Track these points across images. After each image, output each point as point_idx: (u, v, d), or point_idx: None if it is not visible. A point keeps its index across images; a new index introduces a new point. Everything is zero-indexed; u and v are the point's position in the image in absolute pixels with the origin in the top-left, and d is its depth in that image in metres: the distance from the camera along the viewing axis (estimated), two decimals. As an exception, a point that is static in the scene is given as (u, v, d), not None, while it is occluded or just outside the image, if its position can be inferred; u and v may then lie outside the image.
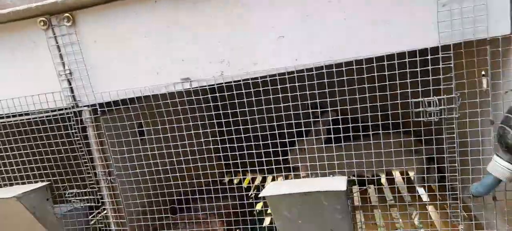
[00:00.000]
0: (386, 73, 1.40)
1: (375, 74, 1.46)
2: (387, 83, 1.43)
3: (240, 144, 1.72)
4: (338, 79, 1.44)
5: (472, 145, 1.43)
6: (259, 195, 1.51)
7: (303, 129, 2.13)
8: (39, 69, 1.75)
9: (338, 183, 1.45)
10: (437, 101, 1.38)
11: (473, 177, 1.46)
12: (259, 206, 2.74)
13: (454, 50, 1.34)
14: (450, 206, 1.55)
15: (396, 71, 1.39)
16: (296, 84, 1.48)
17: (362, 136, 1.70)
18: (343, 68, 1.43)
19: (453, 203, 1.50)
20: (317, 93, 1.50)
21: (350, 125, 1.57)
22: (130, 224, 1.90)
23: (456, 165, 1.45)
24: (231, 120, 1.67)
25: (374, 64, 1.40)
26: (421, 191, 2.56)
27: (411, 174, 2.76)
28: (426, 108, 1.40)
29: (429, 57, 1.36)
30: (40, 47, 1.71)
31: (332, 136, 2.50)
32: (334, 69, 1.44)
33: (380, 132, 1.53)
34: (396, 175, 2.87)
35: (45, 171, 1.92)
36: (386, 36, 1.38)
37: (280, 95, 1.52)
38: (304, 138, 2.62)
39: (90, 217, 2.17)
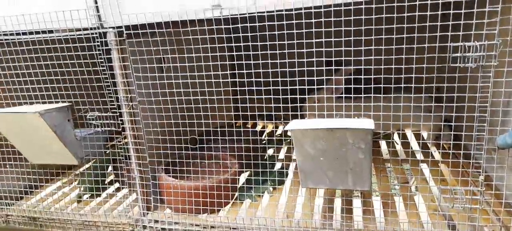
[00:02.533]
0: (428, 13, 1.34)
1: (416, 14, 1.40)
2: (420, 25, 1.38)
3: (257, 88, 1.70)
4: (365, 27, 1.40)
5: (506, 95, 1.41)
6: (285, 129, 1.51)
7: (323, 77, 2.11)
8: (64, -16, 1.70)
9: (365, 123, 1.45)
10: (478, 47, 1.34)
11: (501, 128, 1.45)
12: (270, 151, 2.78)
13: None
14: (474, 157, 1.55)
15: (439, 13, 1.34)
16: (332, 19, 1.43)
17: (375, 92, 1.68)
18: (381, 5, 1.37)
19: (478, 154, 1.50)
20: (342, 41, 1.45)
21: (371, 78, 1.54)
22: (149, 152, 1.92)
23: (487, 115, 1.43)
24: (251, 62, 1.63)
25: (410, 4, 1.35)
26: (433, 149, 2.58)
27: (425, 134, 2.77)
28: (465, 53, 1.36)
29: (475, -1, 1.31)
30: (67, -40, 1.65)
31: (352, 86, 2.49)
32: (373, 6, 1.39)
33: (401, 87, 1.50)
34: (410, 133, 2.87)
35: (66, 92, 1.92)
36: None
37: (304, 35, 1.47)
38: (324, 86, 2.61)
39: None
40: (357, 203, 2.02)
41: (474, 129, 1.48)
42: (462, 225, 1.60)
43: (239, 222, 1.83)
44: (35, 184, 2.41)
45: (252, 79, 1.65)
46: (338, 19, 1.43)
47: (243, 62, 1.73)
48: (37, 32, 1.80)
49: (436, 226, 1.67)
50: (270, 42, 1.56)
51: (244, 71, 1.71)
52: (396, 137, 2.85)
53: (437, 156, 2.48)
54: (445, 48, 1.42)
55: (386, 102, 1.68)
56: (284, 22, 1.50)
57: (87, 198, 2.30)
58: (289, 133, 1.55)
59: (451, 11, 1.33)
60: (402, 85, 1.54)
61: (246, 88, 1.74)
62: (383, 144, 2.78)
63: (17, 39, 1.86)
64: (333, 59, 1.88)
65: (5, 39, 1.88)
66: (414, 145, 2.71)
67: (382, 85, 1.56)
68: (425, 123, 2.41)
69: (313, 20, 1.45)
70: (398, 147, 2.70)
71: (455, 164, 2.14)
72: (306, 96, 2.61)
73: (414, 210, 1.84)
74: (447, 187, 1.60)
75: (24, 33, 1.83)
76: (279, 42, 1.53)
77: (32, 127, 1.80)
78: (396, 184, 2.18)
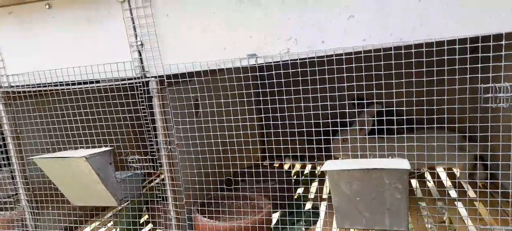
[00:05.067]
0: (457, 57, 1.40)
1: (445, 57, 1.46)
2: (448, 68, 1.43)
3: (286, 130, 1.77)
4: (397, 71, 1.46)
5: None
6: (321, 169, 1.56)
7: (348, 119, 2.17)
8: (112, 40, 1.86)
9: (401, 163, 1.48)
10: (509, 88, 1.38)
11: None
12: (299, 191, 2.79)
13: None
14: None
15: (468, 56, 1.39)
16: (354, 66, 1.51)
17: (406, 130, 1.71)
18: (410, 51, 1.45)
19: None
20: (364, 84, 1.52)
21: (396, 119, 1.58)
22: (186, 193, 1.98)
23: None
24: (280, 106, 1.71)
25: (445, 48, 1.41)
26: (466, 187, 2.53)
27: (455, 170, 2.74)
28: (496, 94, 1.40)
29: (503, 42, 1.36)
30: (116, 19, 1.82)
31: (376, 127, 2.52)
32: (400, 51, 1.46)
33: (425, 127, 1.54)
34: (440, 170, 2.84)
35: (109, 137, 2.04)
36: (461, 19, 1.39)
37: (327, 80, 1.55)
38: (348, 128, 2.66)
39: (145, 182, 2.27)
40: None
41: (511, 167, 1.48)
42: (505, 266, 1.56)
43: (274, 264, 1.84)
44: (72, 225, 2.49)
45: (279, 122, 1.73)
46: (369, 64, 1.51)
47: (270, 106, 1.80)
48: (86, 82, 1.96)
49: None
50: (297, 88, 1.64)
51: (274, 114, 1.79)
52: (428, 175, 2.82)
53: (472, 194, 2.43)
54: (476, 88, 1.46)
55: (416, 141, 1.71)
56: (316, 69, 1.58)
57: (123, 239, 2.36)
58: (325, 174, 1.59)
59: (480, 55, 1.38)
60: (434, 125, 1.58)
61: (273, 130, 1.81)
62: (413, 182, 2.75)
63: (66, 89, 2.01)
64: (359, 101, 1.94)
65: (55, 90, 2.04)
66: (448, 183, 2.67)
67: (413, 126, 1.60)
68: (456, 162, 2.40)
69: (344, 66, 1.54)
70: (431, 185, 2.67)
71: (492, 202, 2.10)
72: (331, 137, 2.65)
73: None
74: (487, 227, 1.58)
75: (73, 84, 1.99)
76: (311, 87, 1.62)
77: (78, 170, 1.90)
78: (433, 224, 2.15)
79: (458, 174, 2.71)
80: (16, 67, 2.08)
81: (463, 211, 2.18)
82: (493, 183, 2.36)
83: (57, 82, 2.01)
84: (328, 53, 1.56)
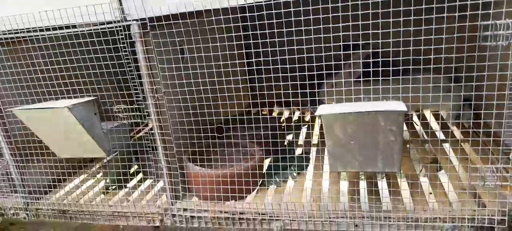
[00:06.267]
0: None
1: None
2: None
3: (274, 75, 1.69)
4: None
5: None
6: (315, 114, 1.52)
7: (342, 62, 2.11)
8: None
9: (397, 105, 1.45)
10: (510, 24, 1.33)
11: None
12: (289, 137, 2.79)
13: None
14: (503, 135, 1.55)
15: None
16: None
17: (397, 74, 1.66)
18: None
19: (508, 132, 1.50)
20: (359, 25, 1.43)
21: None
22: (176, 142, 1.94)
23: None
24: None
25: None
26: (454, 129, 2.57)
27: (443, 113, 2.76)
28: (496, 31, 1.35)
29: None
30: (89, -47, 1.64)
31: (371, 70, 2.47)
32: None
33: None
34: (428, 114, 2.86)
35: (91, 86, 1.94)
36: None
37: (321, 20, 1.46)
38: (342, 71, 2.60)
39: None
40: (382, 184, 2.03)
41: (505, 107, 1.47)
42: (492, 203, 1.61)
43: (268, 208, 1.85)
44: (60, 177, 2.45)
45: (269, 67, 1.65)
46: (361, 2, 1.41)
47: (260, 49, 1.71)
48: (61, 28, 1.81)
49: (465, 205, 1.68)
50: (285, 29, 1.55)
51: (261, 58, 1.70)
52: (415, 117, 2.85)
53: (458, 135, 2.48)
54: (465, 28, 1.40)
55: (404, 84, 1.66)
56: (310, 8, 1.49)
57: (113, 189, 2.34)
58: (316, 119, 1.56)
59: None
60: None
61: (263, 75, 1.74)
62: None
63: (41, 35, 1.86)
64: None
65: (28, 36, 1.88)
66: (434, 125, 2.70)
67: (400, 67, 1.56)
68: (444, 103, 2.41)
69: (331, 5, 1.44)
70: (418, 128, 2.70)
71: (477, 142, 2.13)
72: (324, 81, 2.60)
73: (441, 190, 1.85)
74: (478, 166, 1.60)
75: (47, 29, 1.84)
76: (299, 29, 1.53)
77: (61, 121, 1.82)
78: (421, 164, 2.19)
79: (444, 116, 2.74)
80: (-17, 13, 1.90)
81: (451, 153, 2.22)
82: (479, 124, 2.39)
83: (30, 28, 1.85)
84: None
